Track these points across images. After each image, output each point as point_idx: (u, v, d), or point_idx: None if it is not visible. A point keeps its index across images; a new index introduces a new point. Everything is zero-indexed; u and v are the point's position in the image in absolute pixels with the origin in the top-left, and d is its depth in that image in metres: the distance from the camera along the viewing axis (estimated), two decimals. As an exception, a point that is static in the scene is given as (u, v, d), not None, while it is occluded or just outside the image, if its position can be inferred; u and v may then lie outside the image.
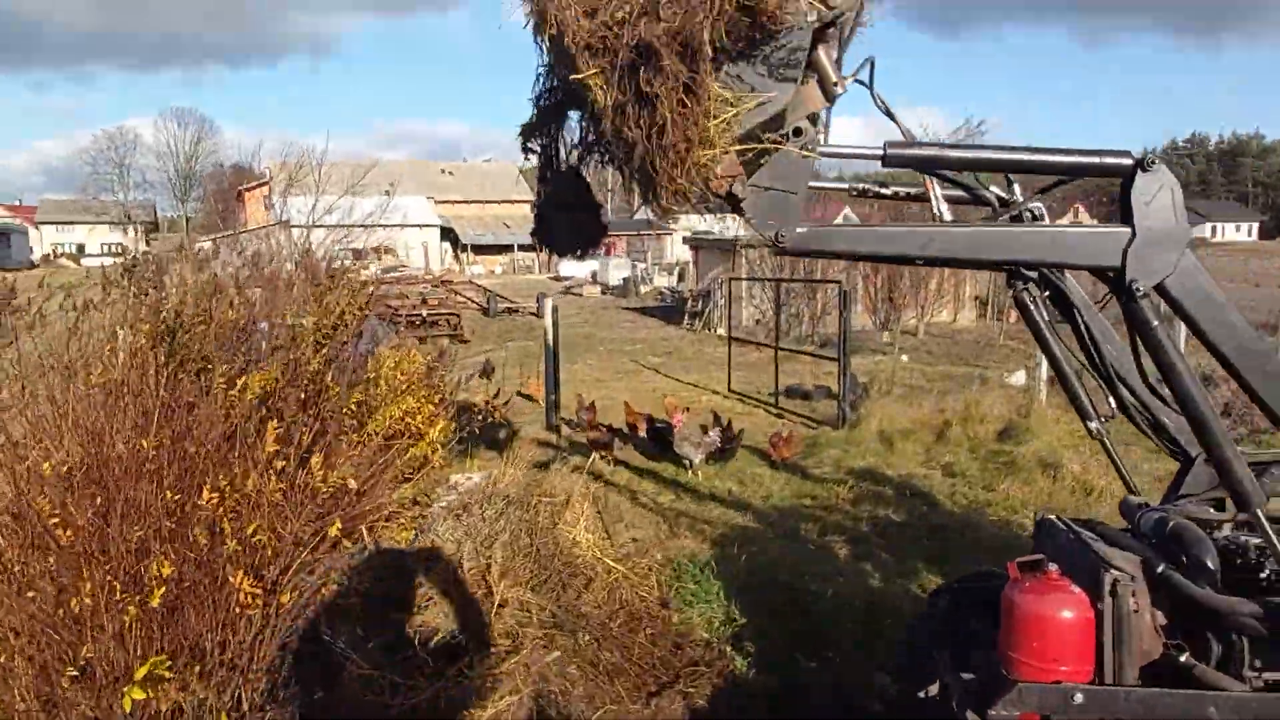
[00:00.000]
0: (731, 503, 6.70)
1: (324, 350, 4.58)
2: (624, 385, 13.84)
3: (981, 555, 5.20)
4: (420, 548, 3.55)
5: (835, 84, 2.22)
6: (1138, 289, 2.19)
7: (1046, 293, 2.60)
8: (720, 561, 5.00)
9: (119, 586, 2.42)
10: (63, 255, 65.32)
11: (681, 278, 32.44)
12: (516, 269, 52.59)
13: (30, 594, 2.38)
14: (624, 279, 35.32)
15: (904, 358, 16.08)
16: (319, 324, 4.48)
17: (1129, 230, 2.20)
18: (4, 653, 2.55)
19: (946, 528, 6.01)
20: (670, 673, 3.55)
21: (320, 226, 22.65)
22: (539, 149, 2.58)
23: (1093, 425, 2.78)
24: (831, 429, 9.49)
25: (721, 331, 19.63)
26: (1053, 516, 2.85)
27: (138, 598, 2.44)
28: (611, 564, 3.79)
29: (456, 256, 53.58)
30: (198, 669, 2.54)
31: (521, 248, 53.98)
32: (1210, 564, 2.33)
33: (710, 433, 7.61)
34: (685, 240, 32.16)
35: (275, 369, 4.06)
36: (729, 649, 3.98)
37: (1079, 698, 2.26)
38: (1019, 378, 11.78)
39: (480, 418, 7.63)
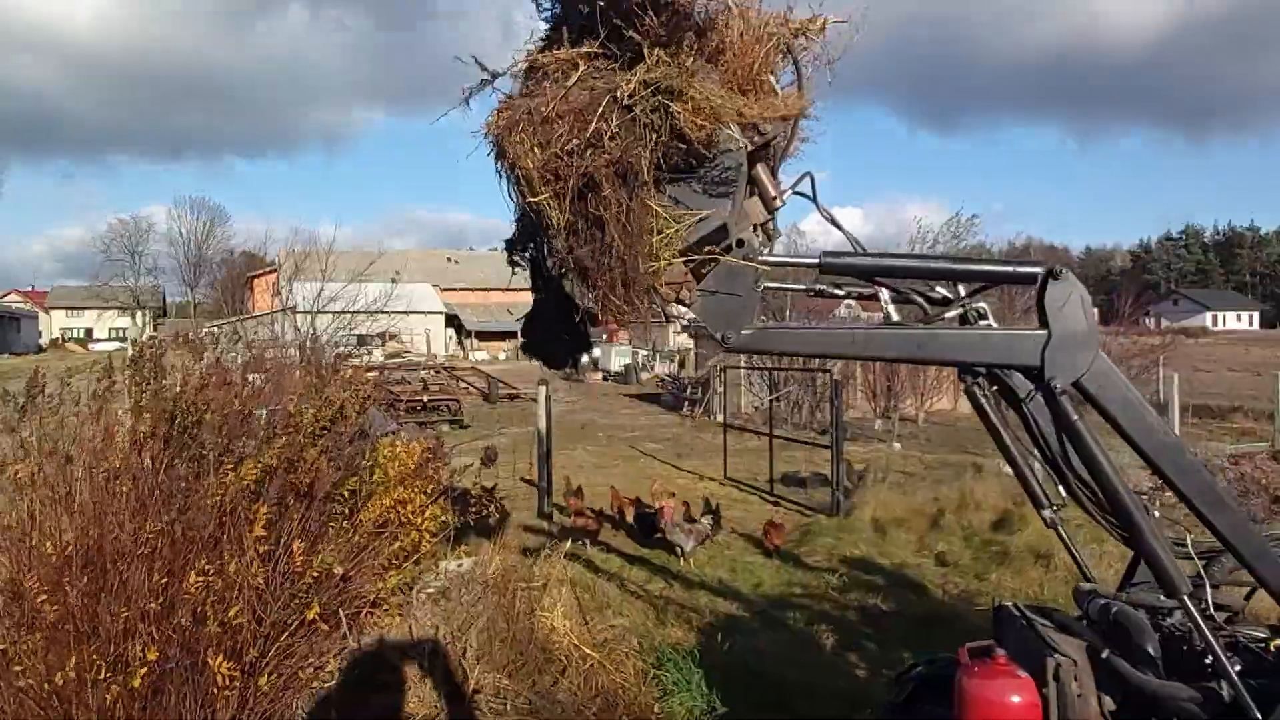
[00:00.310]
0: (720, 591, 6.70)
1: (322, 441, 4.72)
2: (621, 471, 13.88)
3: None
4: (401, 632, 3.60)
5: (775, 198, 2.44)
6: (1056, 386, 2.35)
7: (994, 386, 2.74)
8: (704, 650, 5.00)
9: (104, 665, 2.49)
10: (70, 340, 66.19)
11: (682, 365, 32.74)
12: (520, 355, 53.12)
13: (18, 669, 2.45)
14: (625, 366, 35.62)
15: (897, 445, 16.14)
16: (318, 415, 4.63)
17: (1045, 332, 2.36)
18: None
19: (935, 617, 6.00)
20: (648, 763, 3.55)
21: (325, 312, 22.95)
22: (524, 263, 2.77)
23: (1046, 514, 2.86)
24: (825, 516, 9.49)
25: (721, 419, 19.74)
26: (1009, 604, 2.92)
27: (121, 677, 2.50)
28: (588, 651, 3.83)
29: (460, 343, 54.18)
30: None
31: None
32: (1151, 650, 2.41)
33: (702, 520, 7.65)
34: (684, 328, 32.65)
35: (272, 456, 4.19)
36: (711, 744, 3.98)
37: None
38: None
39: (474, 508, 7.69)
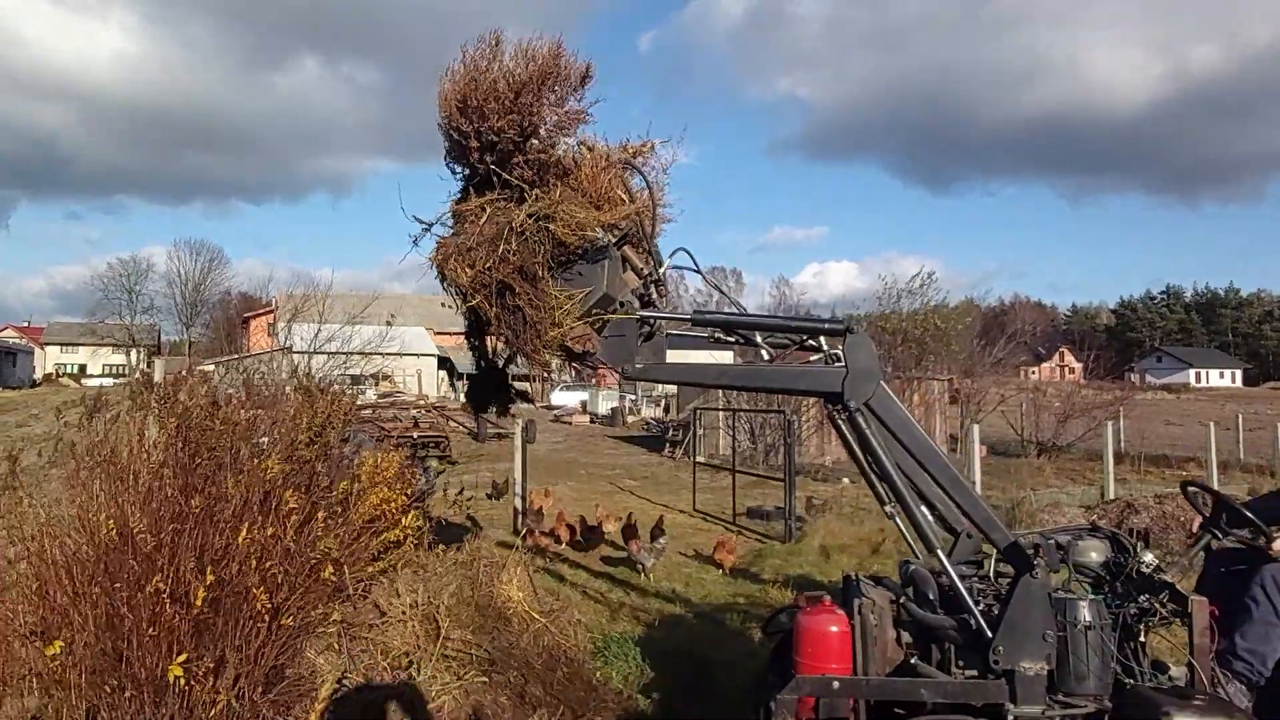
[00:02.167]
0: (671, 598, 7.50)
1: (315, 445, 5.58)
2: (598, 504, 14.65)
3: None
4: (387, 590, 4.40)
5: (643, 269, 3.47)
6: (854, 406, 3.29)
7: (845, 414, 3.57)
8: (646, 638, 5.83)
9: (177, 588, 3.34)
10: (64, 375, 66.73)
11: (667, 410, 33.60)
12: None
13: (117, 585, 3.29)
14: (612, 409, 36.47)
15: (845, 480, 17.05)
16: (310, 423, 5.49)
17: (845, 368, 3.33)
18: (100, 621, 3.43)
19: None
20: (584, 708, 4.35)
21: (320, 353, 23.91)
22: (475, 347, 3.88)
23: (887, 509, 3.72)
24: (779, 543, 10.31)
25: (701, 459, 20.55)
26: (852, 573, 3.79)
27: (184, 603, 3.34)
28: (537, 617, 4.62)
29: (452, 384, 54.97)
30: (216, 668, 3.40)
31: (516, 378, 55.46)
32: (931, 596, 3.30)
33: (659, 541, 8.48)
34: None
35: (279, 458, 5.06)
36: (639, 696, 4.79)
37: (836, 684, 3.18)
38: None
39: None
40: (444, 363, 55.57)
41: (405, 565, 4.59)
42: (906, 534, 3.82)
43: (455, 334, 61.45)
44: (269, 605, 3.58)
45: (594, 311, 3.33)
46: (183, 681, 3.31)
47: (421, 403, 29.89)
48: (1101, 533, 3.67)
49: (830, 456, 22.80)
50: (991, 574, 3.53)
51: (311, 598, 3.94)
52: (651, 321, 3.51)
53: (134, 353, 69.92)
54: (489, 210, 3.41)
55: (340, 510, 5.50)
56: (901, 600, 3.37)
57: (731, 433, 22.34)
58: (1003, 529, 3.44)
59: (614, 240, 3.37)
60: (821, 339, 3.64)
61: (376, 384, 39.48)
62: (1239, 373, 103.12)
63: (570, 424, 35.60)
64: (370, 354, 23.28)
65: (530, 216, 3.29)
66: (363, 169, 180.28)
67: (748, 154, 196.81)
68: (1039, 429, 24.10)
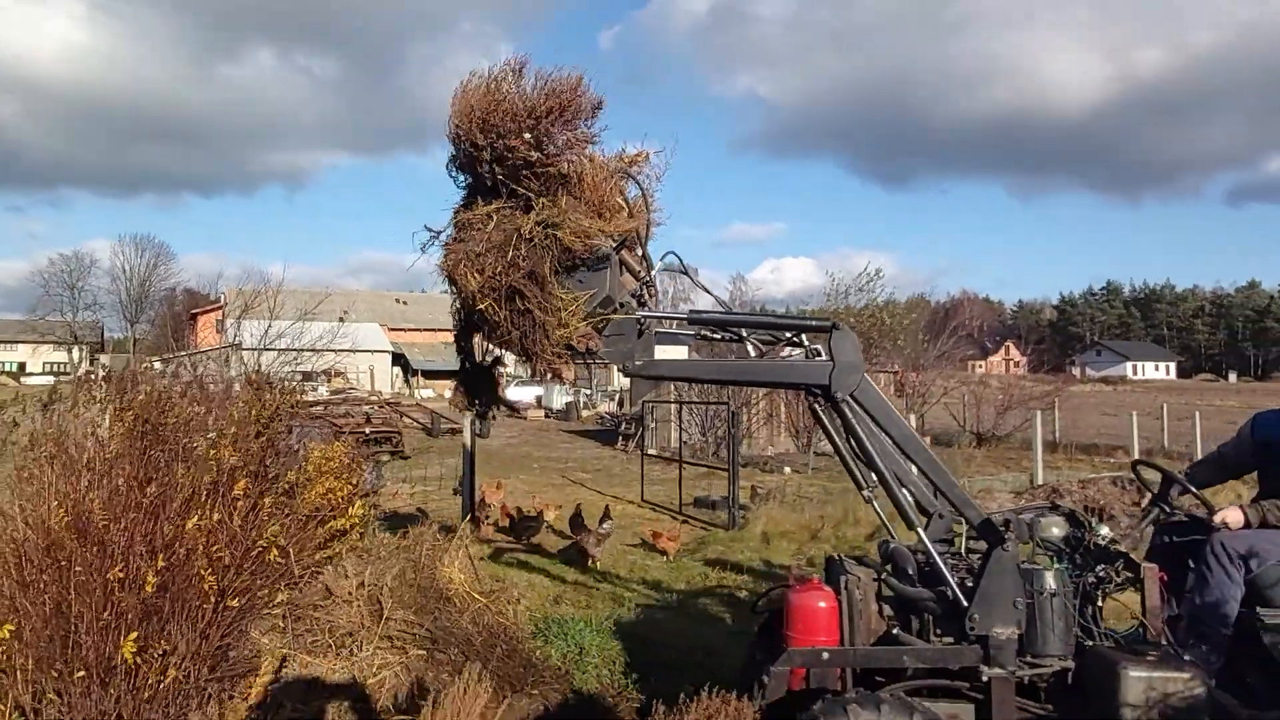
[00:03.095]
0: (614, 582, 7.77)
1: (263, 437, 5.72)
2: (549, 497, 14.84)
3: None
4: (334, 571, 4.57)
5: (639, 272, 3.72)
6: (840, 397, 3.57)
7: (831, 405, 3.73)
8: (587, 620, 6.08)
9: (129, 573, 3.48)
10: (3, 374, 64.61)
11: (621, 403, 33.86)
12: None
13: (79, 569, 3.44)
14: (567, 403, 36.61)
15: (787, 469, 17.60)
16: (258, 415, 5.62)
17: (831, 362, 3.59)
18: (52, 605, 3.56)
19: (756, 585, 7.18)
20: (522, 683, 4.58)
21: (270, 350, 23.63)
22: (464, 348, 4.08)
23: (865, 493, 3.96)
24: (723, 530, 10.65)
25: (653, 451, 20.86)
26: (836, 554, 4.10)
27: (136, 589, 3.48)
28: (477, 597, 4.84)
29: (407, 380, 54.56)
30: (164, 648, 3.55)
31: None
32: (910, 571, 3.63)
33: (604, 524, 8.74)
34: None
35: (228, 446, 5.19)
36: (576, 672, 5.04)
37: (825, 655, 3.48)
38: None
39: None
40: (398, 359, 55.10)
41: (351, 550, 4.76)
42: (882, 516, 4.11)
43: (409, 330, 60.98)
44: (215, 588, 3.74)
45: (597, 312, 3.58)
46: (131, 662, 3.46)
47: (373, 399, 29.72)
48: (1061, 510, 4.03)
49: (777, 448, 23.33)
50: (963, 550, 3.88)
51: (257, 581, 4.11)
52: (642, 320, 3.75)
53: (76, 350, 67.98)
54: (496, 217, 3.58)
55: (287, 499, 5.66)
56: (883, 576, 3.73)
57: (681, 425, 22.73)
58: (976, 508, 3.77)
59: (614, 245, 3.64)
60: (803, 336, 3.95)
61: (329, 381, 39.10)
62: (1173, 365, 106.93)
63: (525, 419, 35.66)
64: (321, 350, 23.09)
65: (539, 224, 3.49)
66: (319, 163, 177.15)
67: (708, 151, 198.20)
68: (979, 420, 24.90)
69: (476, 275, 3.46)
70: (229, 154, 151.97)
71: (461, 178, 3.83)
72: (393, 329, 58.68)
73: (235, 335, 25.17)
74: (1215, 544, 3.77)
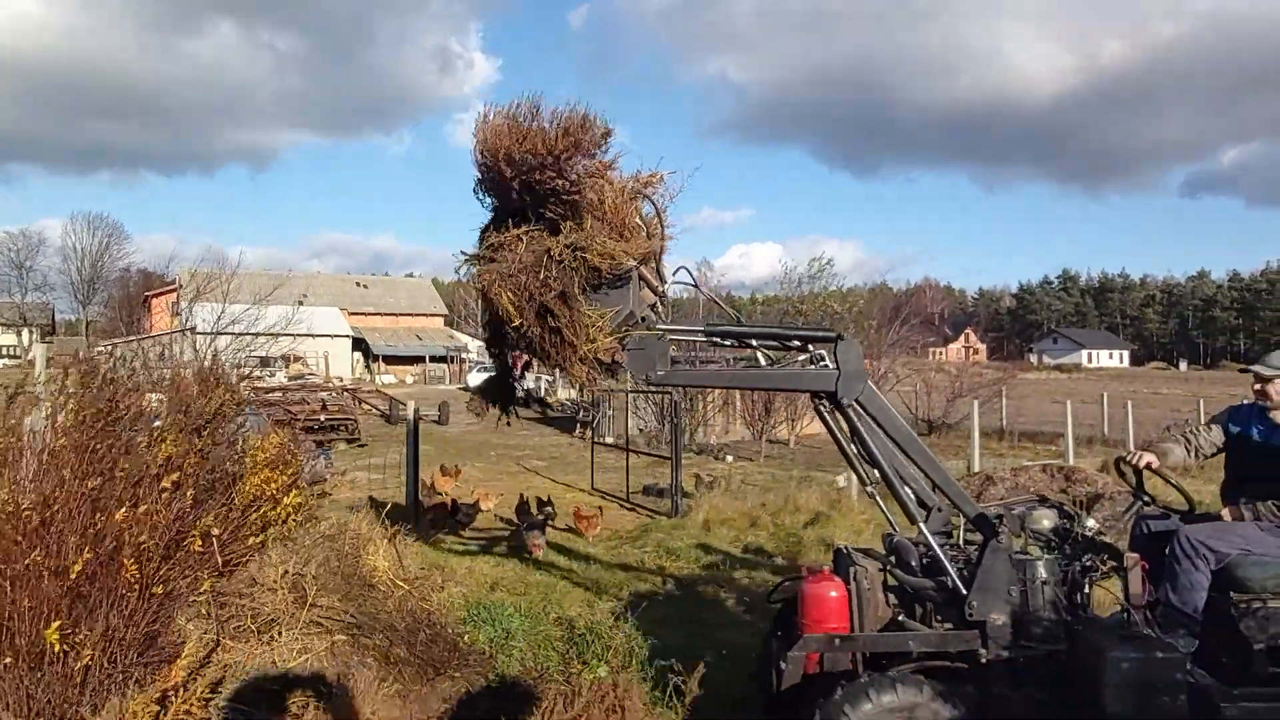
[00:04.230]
0: (553, 569, 8.01)
1: (206, 432, 5.85)
2: (502, 485, 15.03)
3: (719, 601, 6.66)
4: (260, 564, 4.74)
5: (657, 288, 4.02)
6: (845, 402, 3.88)
7: (838, 408, 4.08)
8: (520, 605, 6.32)
9: (58, 562, 3.63)
10: (-52, 357, 62.86)
11: (582, 391, 34.04)
12: (429, 379, 53.43)
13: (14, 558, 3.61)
14: (527, 390, 36.70)
15: (730, 458, 18.04)
16: (202, 411, 5.75)
17: (838, 370, 3.93)
18: None
19: (705, 580, 7.48)
20: (446, 666, 4.80)
21: (225, 333, 23.35)
22: (495, 355, 4.47)
23: (869, 489, 4.27)
24: (666, 518, 10.94)
25: (610, 440, 21.11)
26: (843, 546, 4.38)
27: (61, 576, 3.64)
28: (401, 584, 5.05)
29: (368, 366, 54.15)
30: (94, 635, 3.71)
31: (434, 359, 55.03)
32: (912, 562, 3.93)
33: (544, 514, 8.98)
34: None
35: (170, 441, 5.32)
36: (501, 656, 5.27)
37: (837, 641, 3.79)
38: (843, 479, 13.54)
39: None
40: (358, 344, 54.63)
41: (278, 539, 4.93)
42: (886, 509, 4.33)
43: (370, 314, 60.47)
44: (139, 576, 3.90)
45: (622, 328, 3.93)
46: (57, 648, 3.62)
47: (330, 385, 29.56)
48: (1051, 503, 4.34)
49: (733, 436, 23.72)
50: (960, 541, 4.20)
51: (183, 570, 4.27)
52: (663, 334, 4.08)
53: (25, 332, 66.30)
54: (526, 240, 3.94)
55: (225, 490, 5.80)
56: (888, 567, 4.06)
57: (637, 414, 22.99)
58: (972, 502, 4.12)
59: (636, 264, 3.94)
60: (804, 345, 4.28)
61: (287, 366, 38.74)
62: (1126, 353, 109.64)
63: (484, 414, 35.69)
64: (277, 335, 22.89)
65: (568, 247, 3.83)
66: (283, 142, 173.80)
67: (677, 135, 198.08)
68: (930, 408, 25.50)
69: (510, 293, 3.79)
70: (190, 131, 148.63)
71: (488, 200, 4.17)
72: (353, 313, 58.11)
73: (187, 319, 24.87)
74: (1183, 537, 4.03)
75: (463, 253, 4.13)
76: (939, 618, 3.94)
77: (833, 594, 3.93)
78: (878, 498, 4.22)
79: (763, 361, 4.33)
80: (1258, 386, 4.32)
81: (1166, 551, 4.12)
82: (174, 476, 4.67)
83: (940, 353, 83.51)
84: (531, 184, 3.85)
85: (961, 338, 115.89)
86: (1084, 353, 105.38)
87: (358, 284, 66.11)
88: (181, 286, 42.63)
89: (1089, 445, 20.96)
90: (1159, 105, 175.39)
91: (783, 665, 3.85)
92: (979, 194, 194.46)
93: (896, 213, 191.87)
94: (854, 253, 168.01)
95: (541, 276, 3.79)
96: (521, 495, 9.90)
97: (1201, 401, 24.61)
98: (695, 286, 4.63)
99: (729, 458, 18.22)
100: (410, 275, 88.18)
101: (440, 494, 10.83)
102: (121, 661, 3.96)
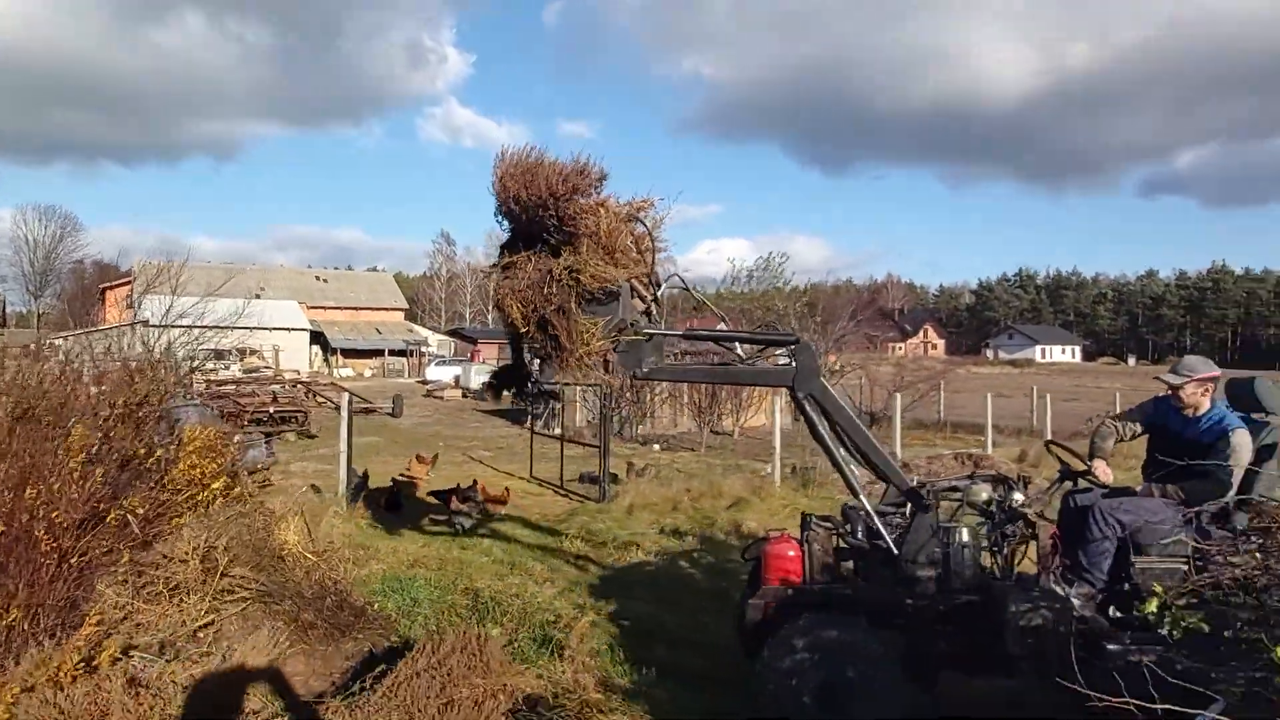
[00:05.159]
0: (474, 549, 8.53)
1: (131, 420, 6.27)
2: (446, 475, 15.47)
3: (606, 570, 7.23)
4: (176, 538, 5.19)
5: (646, 298, 4.86)
6: (801, 395, 4.61)
7: (808, 398, 4.81)
8: (433, 578, 6.84)
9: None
10: (-107, 349, 61.28)
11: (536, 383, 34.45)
12: (387, 373, 53.41)
13: None
14: (484, 383, 37.04)
15: (656, 447, 18.73)
16: (127, 401, 6.17)
17: (795, 367, 4.68)
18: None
19: (614, 556, 8.05)
20: (351, 630, 5.31)
21: (176, 326, 23.46)
22: (515, 349, 5.33)
23: (850, 470, 4.92)
24: (594, 503, 11.50)
25: (558, 430, 21.63)
26: (809, 515, 5.02)
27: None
28: (310, 556, 5.54)
29: (326, 360, 53.98)
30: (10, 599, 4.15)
31: (393, 353, 55.00)
32: (859, 527, 4.59)
33: (470, 501, 9.49)
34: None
35: (89, 429, 5.74)
36: (405, 621, 5.79)
37: (789, 591, 4.49)
38: (769, 467, 14.20)
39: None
40: (317, 337, 54.41)
41: (194, 517, 5.39)
42: (852, 483, 5.00)
43: (330, 308, 60.17)
44: (56, 548, 4.35)
45: (613, 335, 4.72)
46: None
47: (282, 378, 29.66)
48: (999, 478, 4.97)
49: (679, 428, 24.36)
50: (909, 512, 4.82)
51: (98, 541, 4.72)
52: (649, 337, 4.89)
53: (-27, 324, 64.90)
54: (533, 261, 4.84)
55: (155, 472, 6.23)
56: (838, 531, 4.77)
57: (586, 406, 23.53)
58: (904, 478, 4.82)
59: (627, 279, 4.75)
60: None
61: (242, 359, 38.60)
62: (1078, 349, 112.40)
63: (443, 399, 35.98)
64: (228, 328, 22.99)
65: (566, 269, 4.68)
66: (249, 133, 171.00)
67: (651, 131, 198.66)
68: (873, 401, 26.34)
69: (519, 306, 4.72)
70: (153, 122, 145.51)
71: (506, 223, 5.11)
72: (312, 306, 57.82)
73: (137, 313, 24.85)
74: (1096, 510, 4.66)
75: (486, 270, 5.27)
76: (877, 573, 4.65)
77: (790, 553, 4.67)
78: (845, 471, 4.91)
79: (742, 355, 5.14)
80: (1169, 392, 4.96)
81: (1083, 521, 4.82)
82: (80, 458, 5.11)
83: (900, 348, 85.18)
84: (536, 218, 4.79)
85: (921, 333, 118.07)
86: (1038, 348, 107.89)
87: (317, 278, 65.72)
88: (135, 279, 42.19)
89: (1017, 435, 21.93)
90: (1120, 108, 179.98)
91: (747, 610, 4.64)
92: (945, 192, 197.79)
93: (865, 210, 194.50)
94: (822, 249, 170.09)
95: (544, 293, 4.68)
96: (458, 484, 10.38)
97: (1118, 395, 25.80)
98: (686, 289, 5.50)
99: (656, 446, 18.86)
100: (374, 269, 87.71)
101: (421, 480, 11.30)
102: (44, 622, 4.41)
